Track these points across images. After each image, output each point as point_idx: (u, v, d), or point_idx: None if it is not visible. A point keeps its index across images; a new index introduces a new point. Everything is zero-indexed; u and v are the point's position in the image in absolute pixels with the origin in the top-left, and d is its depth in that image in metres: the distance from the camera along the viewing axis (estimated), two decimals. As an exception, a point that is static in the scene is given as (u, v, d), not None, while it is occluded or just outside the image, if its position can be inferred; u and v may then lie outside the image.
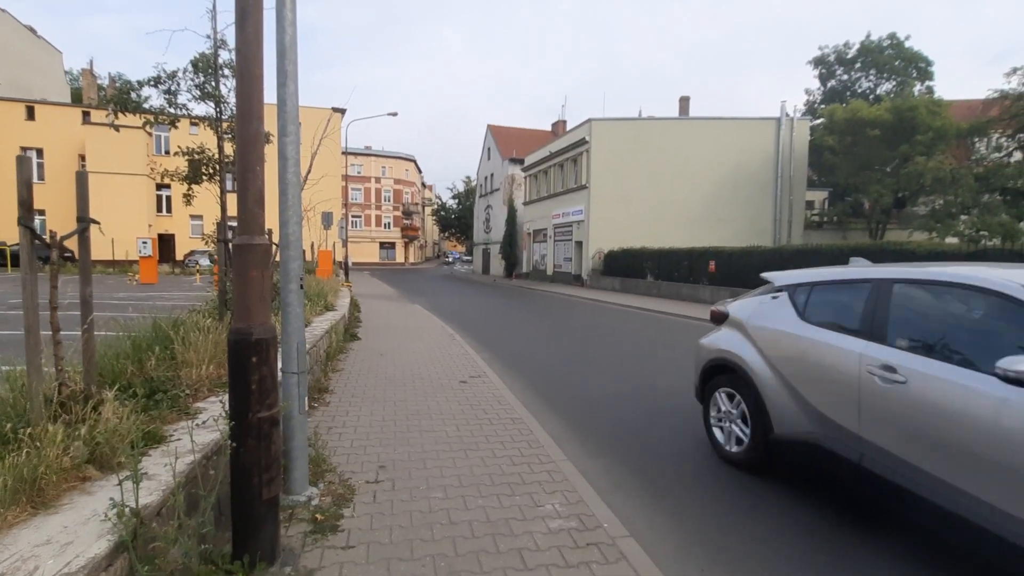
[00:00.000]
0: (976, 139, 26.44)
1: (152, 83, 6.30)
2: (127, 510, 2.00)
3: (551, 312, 17.62)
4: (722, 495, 4.02)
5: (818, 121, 32.23)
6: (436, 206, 74.90)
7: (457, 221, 70.63)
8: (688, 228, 26.22)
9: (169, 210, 37.20)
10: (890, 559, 3.17)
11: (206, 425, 3.16)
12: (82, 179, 3.35)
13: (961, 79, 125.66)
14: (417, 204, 73.62)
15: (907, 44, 36.13)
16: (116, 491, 2.20)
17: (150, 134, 33.42)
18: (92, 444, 2.57)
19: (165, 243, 36.32)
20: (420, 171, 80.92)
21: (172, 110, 6.37)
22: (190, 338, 4.43)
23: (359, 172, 64.62)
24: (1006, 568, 2.63)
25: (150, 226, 34.55)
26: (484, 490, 3.78)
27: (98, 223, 3.39)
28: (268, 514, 2.66)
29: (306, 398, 3.41)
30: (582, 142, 28.25)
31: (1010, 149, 25.94)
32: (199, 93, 6.42)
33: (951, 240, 18.81)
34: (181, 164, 6.88)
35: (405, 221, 68.51)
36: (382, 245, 67.04)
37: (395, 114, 31.26)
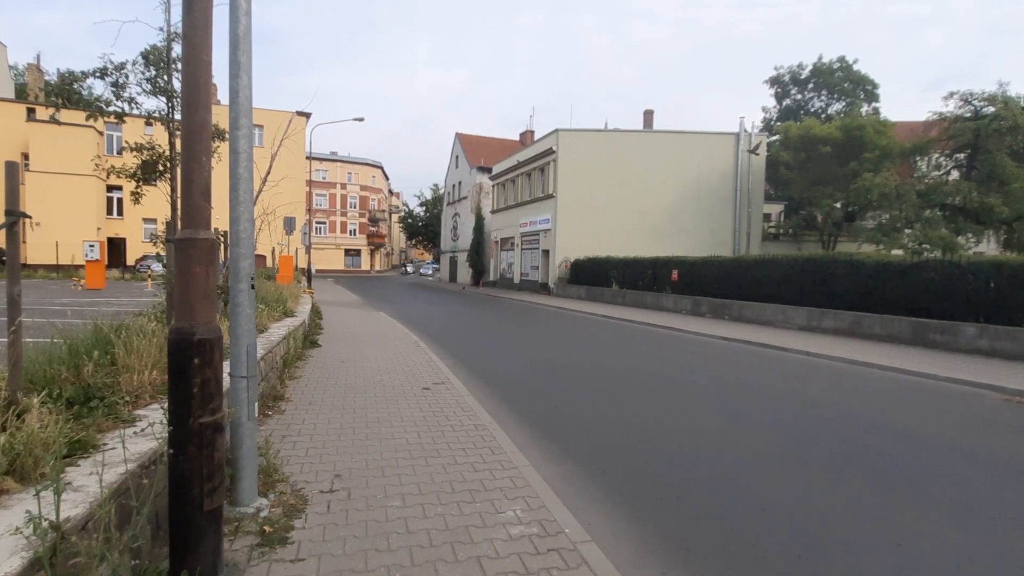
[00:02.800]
0: (918, 158, 27.98)
1: (98, 74, 5.99)
2: (45, 523, 1.83)
3: (517, 320, 17.60)
4: (685, 498, 4.03)
5: (774, 137, 33.54)
6: (403, 213, 74.03)
7: (424, 229, 70.06)
8: (652, 238, 26.74)
9: (120, 213, 35.54)
10: (856, 565, 3.23)
11: (144, 432, 2.96)
12: (12, 169, 3.13)
13: (902, 102, 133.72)
14: (384, 211, 72.70)
15: (855, 67, 38.14)
16: (36, 504, 2.02)
17: (101, 133, 31.95)
18: (11, 454, 2.36)
19: (115, 247, 34.64)
20: (387, 178, 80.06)
21: (120, 104, 6.07)
22: (133, 342, 4.17)
23: (324, 178, 63.43)
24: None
25: (99, 229, 32.90)
26: (444, 497, 3.68)
27: (30, 217, 3.17)
28: (210, 526, 2.49)
29: (256, 404, 3.24)
30: (549, 152, 28.52)
31: (948, 168, 27.59)
32: (150, 87, 6.15)
33: (897, 252, 19.77)
34: (131, 162, 6.56)
35: (371, 228, 67.49)
36: (347, 252, 65.81)
37: (361, 119, 30.79)
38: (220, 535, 2.59)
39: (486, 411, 5.92)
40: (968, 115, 25.36)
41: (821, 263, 14.47)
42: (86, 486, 2.34)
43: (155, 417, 3.26)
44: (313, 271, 28.22)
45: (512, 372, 8.76)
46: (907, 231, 23.61)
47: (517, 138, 45.94)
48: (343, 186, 65.39)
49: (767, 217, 34.28)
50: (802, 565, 3.14)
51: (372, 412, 5.69)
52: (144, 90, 6.13)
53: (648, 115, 34.31)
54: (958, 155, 26.95)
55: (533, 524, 3.37)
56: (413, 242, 79.52)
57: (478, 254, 39.76)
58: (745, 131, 29.10)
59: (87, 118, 6.26)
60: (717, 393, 7.46)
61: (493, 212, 38.69)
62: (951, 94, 25.51)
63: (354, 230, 66.33)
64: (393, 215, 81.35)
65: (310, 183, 38.25)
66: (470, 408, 5.98)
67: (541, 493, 3.83)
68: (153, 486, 2.53)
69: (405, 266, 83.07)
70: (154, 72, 6.09)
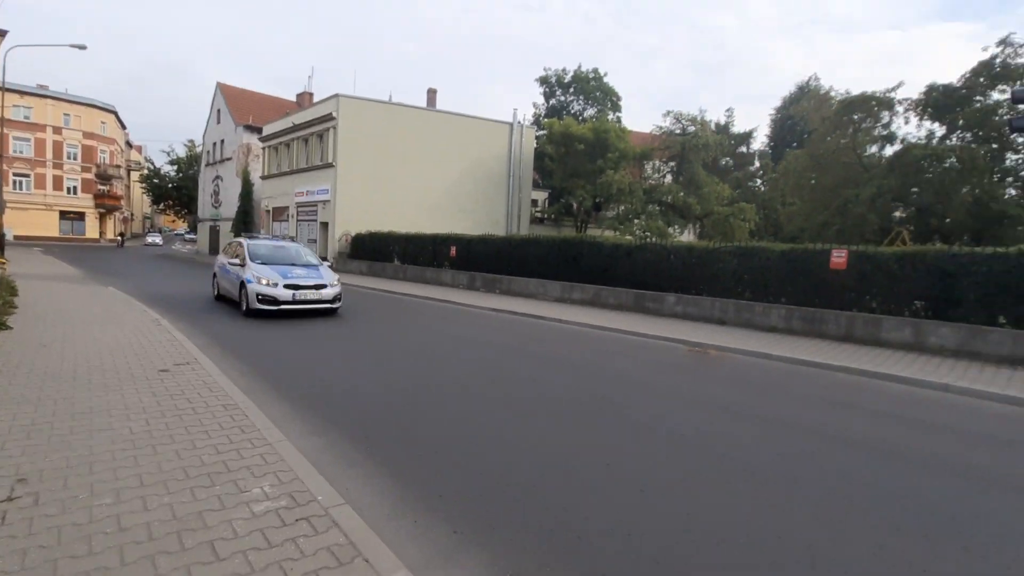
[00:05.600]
0: (646, 162, 34.31)
1: None
2: None
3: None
4: (443, 451, 4.34)
5: (542, 132, 37.21)
6: (147, 172, 60.81)
7: (176, 191, 58.97)
8: (433, 215, 27.33)
9: None
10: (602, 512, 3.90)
11: None
12: None
13: (639, 116, 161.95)
14: (119, 167, 58.75)
15: (606, 80, 44.41)
16: None
17: None
18: None
19: None
20: (124, 127, 64.80)
21: None
22: None
23: (27, 117, 48.23)
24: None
25: None
26: (174, 486, 3.28)
27: None
28: None
29: None
30: (329, 117, 26.67)
31: (665, 172, 34.49)
32: None
33: (628, 237, 24.05)
34: None
35: (101, 187, 53.97)
36: (65, 215, 51.51)
37: (83, 47, 23.95)
38: None
39: (240, 389, 5.41)
40: (678, 131, 32.04)
41: (572, 244, 16.76)
42: None
43: None
44: (9, 237, 21.45)
45: (277, 348, 8.14)
46: (636, 221, 28.89)
47: (294, 99, 41.70)
48: (57, 131, 50.60)
49: (535, 202, 38.00)
50: (531, 492, 3.70)
51: (82, 402, 4.69)
52: None
53: (432, 93, 34.57)
54: (671, 163, 33.85)
55: (282, 498, 3.24)
56: (161, 207, 66.29)
57: (246, 224, 35.20)
58: (519, 122, 31.63)
59: None
60: (481, 359, 8.14)
61: (264, 178, 34.68)
62: (668, 112, 32.11)
63: (75, 188, 52.19)
64: (133, 173, 66.46)
65: (3, 122, 28.66)
66: (219, 388, 5.38)
67: (295, 466, 3.70)
68: None
69: (147, 234, 68.52)
70: None
